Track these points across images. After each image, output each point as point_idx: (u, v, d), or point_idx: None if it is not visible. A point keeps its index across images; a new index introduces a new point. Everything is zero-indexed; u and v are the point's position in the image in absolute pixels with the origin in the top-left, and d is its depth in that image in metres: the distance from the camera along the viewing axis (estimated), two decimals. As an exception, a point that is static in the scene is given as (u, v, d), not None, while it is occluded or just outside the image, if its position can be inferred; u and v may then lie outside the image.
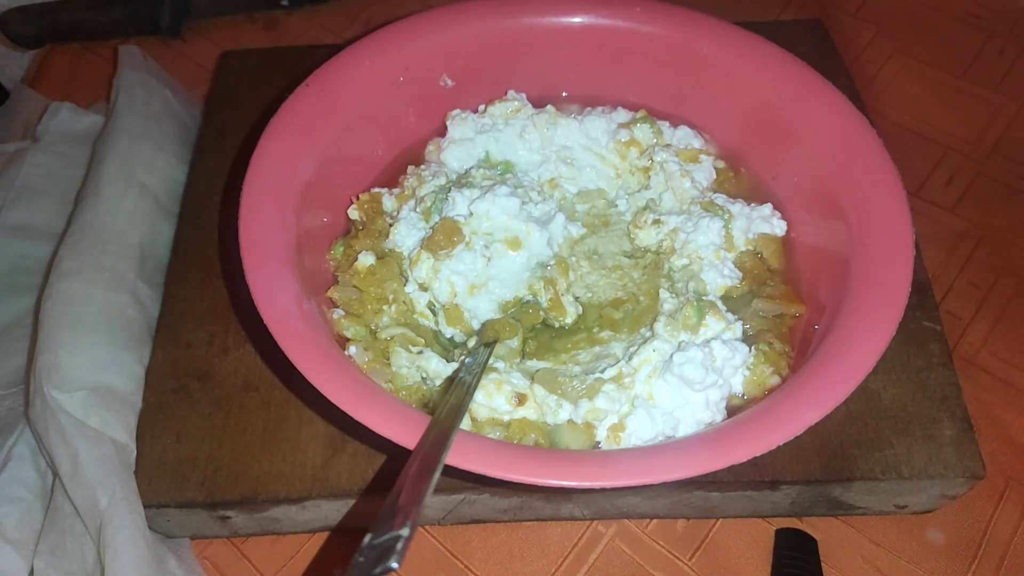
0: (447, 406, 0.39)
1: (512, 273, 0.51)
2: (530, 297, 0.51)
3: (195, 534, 0.51)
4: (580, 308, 0.52)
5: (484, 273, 0.51)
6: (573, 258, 0.54)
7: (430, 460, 0.35)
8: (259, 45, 0.76)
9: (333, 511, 0.49)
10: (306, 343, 0.41)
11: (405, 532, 0.30)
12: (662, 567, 0.49)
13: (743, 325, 0.49)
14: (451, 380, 0.48)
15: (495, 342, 0.48)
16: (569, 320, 0.51)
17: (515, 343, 0.49)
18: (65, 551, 0.47)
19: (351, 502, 0.48)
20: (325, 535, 0.51)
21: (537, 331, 0.51)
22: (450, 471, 0.36)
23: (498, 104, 0.60)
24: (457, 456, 0.37)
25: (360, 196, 0.56)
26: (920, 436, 0.48)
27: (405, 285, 0.52)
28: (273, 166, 0.49)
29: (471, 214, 0.52)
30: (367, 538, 0.30)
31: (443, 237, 0.50)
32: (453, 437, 0.37)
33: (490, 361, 0.47)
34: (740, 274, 0.52)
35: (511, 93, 0.61)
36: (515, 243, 0.51)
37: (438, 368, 0.48)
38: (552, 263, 0.52)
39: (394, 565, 0.28)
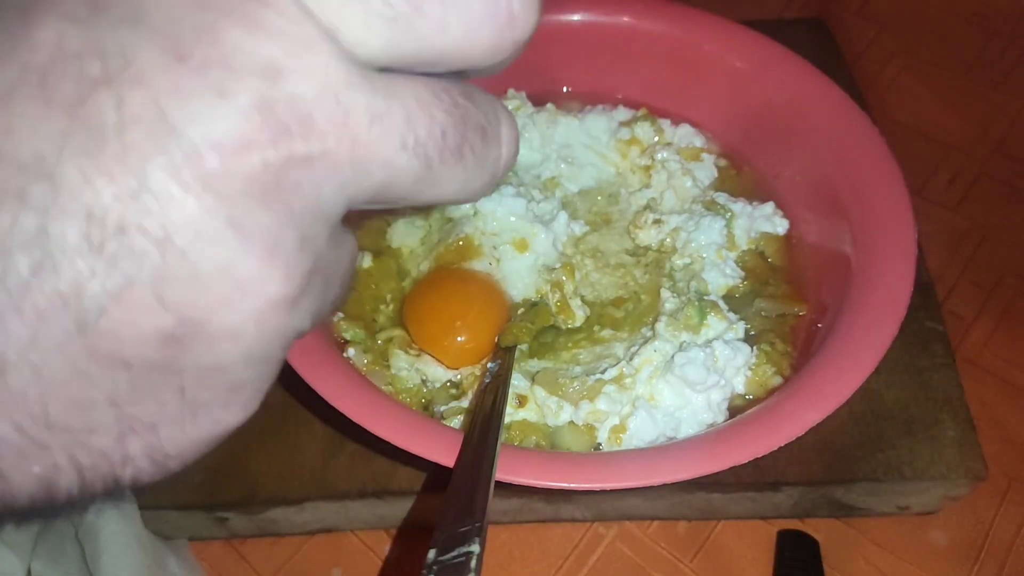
0: (482, 414, 0.39)
1: (519, 275, 0.51)
2: (537, 299, 0.51)
3: (193, 536, 0.51)
4: (588, 310, 0.51)
5: (492, 276, 0.50)
6: (578, 257, 0.54)
7: (482, 471, 0.34)
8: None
9: (331, 512, 0.49)
10: (323, 363, 0.41)
11: (476, 548, 0.28)
12: (663, 569, 0.49)
13: (745, 325, 0.49)
14: (456, 384, 0.48)
15: (515, 347, 0.48)
16: (578, 323, 0.50)
17: (525, 346, 0.49)
18: (64, 553, 0.46)
19: (350, 503, 0.48)
20: (324, 536, 0.51)
21: (540, 331, 0.51)
22: (450, 473, 0.36)
23: (498, 103, 0.60)
24: (452, 458, 0.36)
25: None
26: (922, 437, 0.48)
27: (403, 281, 0.52)
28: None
29: (475, 213, 0.51)
30: (431, 554, 0.28)
31: (455, 255, 0.50)
32: (500, 442, 0.36)
33: (490, 363, 0.47)
34: (742, 273, 0.52)
35: (511, 92, 0.60)
36: (522, 245, 0.51)
37: (437, 371, 0.47)
38: (558, 266, 0.51)
39: None
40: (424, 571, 0.27)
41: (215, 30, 0.14)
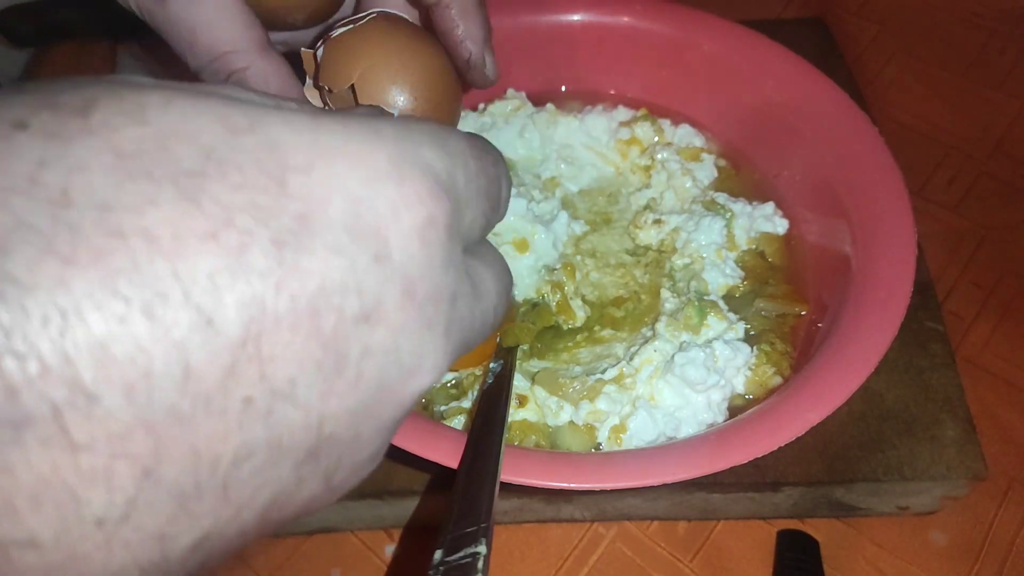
0: (486, 414, 0.39)
1: (520, 276, 0.51)
2: (538, 300, 0.51)
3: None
4: (588, 310, 0.51)
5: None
6: (578, 256, 0.54)
7: (487, 471, 0.34)
8: (258, 43, 0.75)
9: (331, 512, 0.49)
10: None
11: (482, 549, 0.28)
12: (663, 569, 0.49)
13: (745, 325, 0.49)
14: (456, 384, 0.48)
15: (517, 347, 0.47)
16: (578, 323, 0.50)
17: (526, 346, 0.49)
18: None
19: (349, 503, 0.48)
20: (323, 536, 0.51)
21: (540, 331, 0.51)
22: (450, 474, 0.36)
23: (497, 103, 0.60)
24: (456, 459, 0.36)
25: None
26: (922, 437, 0.48)
27: None
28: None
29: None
30: (438, 555, 0.28)
31: None
32: (504, 442, 0.36)
33: (493, 363, 0.46)
34: (742, 273, 0.52)
35: (510, 91, 0.60)
36: (523, 245, 0.51)
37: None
38: (558, 266, 0.51)
39: None
40: (431, 572, 0.28)
41: None
